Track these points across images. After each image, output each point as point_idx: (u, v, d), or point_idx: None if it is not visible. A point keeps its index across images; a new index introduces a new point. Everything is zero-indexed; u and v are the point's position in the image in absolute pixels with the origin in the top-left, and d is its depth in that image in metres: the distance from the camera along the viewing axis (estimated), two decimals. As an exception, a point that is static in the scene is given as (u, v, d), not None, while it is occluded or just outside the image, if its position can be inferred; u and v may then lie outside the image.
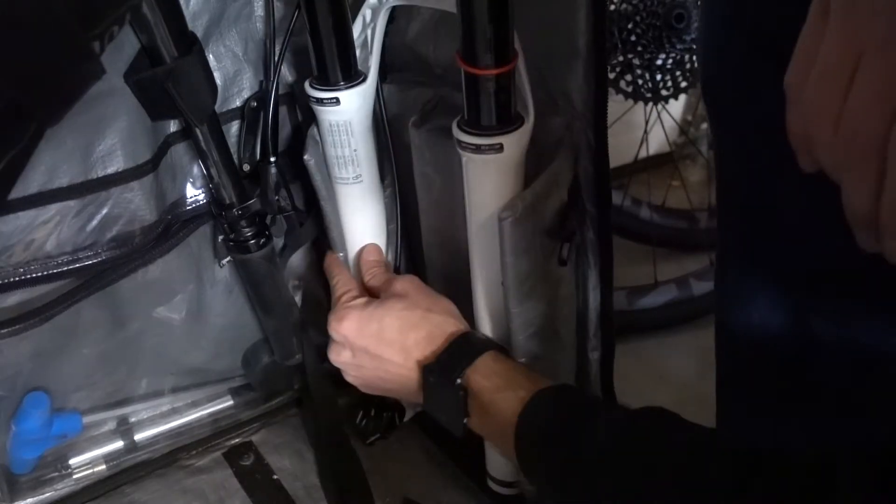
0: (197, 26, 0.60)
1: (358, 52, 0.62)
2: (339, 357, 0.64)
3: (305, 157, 0.66)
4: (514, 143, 0.53)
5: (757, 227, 0.47)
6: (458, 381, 0.56)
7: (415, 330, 0.59)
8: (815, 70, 0.29)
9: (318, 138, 0.65)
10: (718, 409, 0.56)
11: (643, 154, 1.20)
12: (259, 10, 0.64)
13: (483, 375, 0.55)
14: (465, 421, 0.57)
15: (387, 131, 0.68)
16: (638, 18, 0.99)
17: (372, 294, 0.66)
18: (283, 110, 0.69)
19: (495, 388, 0.55)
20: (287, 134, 0.70)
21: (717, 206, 0.51)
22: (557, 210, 0.57)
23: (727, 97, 0.46)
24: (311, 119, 0.66)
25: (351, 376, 0.65)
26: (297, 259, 0.77)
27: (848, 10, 0.28)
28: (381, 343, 0.60)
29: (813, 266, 0.44)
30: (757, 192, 0.46)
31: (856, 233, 0.30)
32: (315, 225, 0.73)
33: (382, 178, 0.69)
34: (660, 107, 1.09)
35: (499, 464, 0.69)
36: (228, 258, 0.68)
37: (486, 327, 0.63)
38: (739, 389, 0.54)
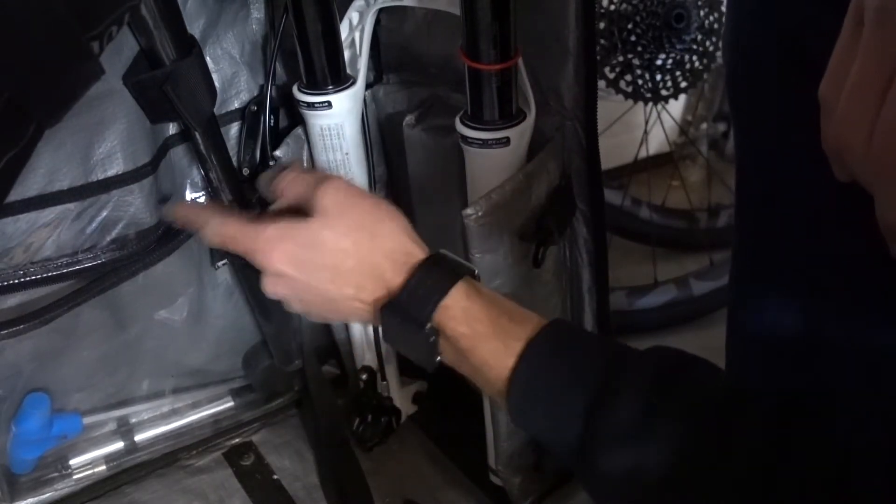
0: (194, 29, 0.60)
1: (346, 54, 0.62)
2: (277, 289, 0.51)
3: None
4: (519, 136, 0.53)
5: (772, 225, 0.47)
6: (428, 325, 0.47)
7: (360, 262, 0.49)
8: (848, 83, 0.29)
9: (303, 137, 0.65)
10: None
11: (643, 154, 1.20)
12: (255, 12, 0.64)
13: (459, 321, 0.47)
14: (437, 359, 0.49)
15: (368, 133, 0.68)
16: (638, 18, 0.99)
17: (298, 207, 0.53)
18: (285, 113, 0.69)
19: (478, 335, 0.46)
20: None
21: (735, 202, 0.51)
22: (532, 211, 0.57)
23: (750, 93, 0.46)
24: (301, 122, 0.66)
25: (296, 307, 0.53)
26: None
27: (880, 24, 0.28)
28: (319, 274, 0.50)
29: (826, 267, 0.44)
30: (774, 190, 0.46)
31: (889, 243, 0.30)
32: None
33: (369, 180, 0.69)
34: (660, 107, 1.09)
35: (502, 457, 0.69)
36: (224, 261, 0.68)
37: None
38: (748, 389, 0.53)
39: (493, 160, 0.54)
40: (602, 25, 0.97)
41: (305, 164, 0.67)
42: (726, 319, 0.53)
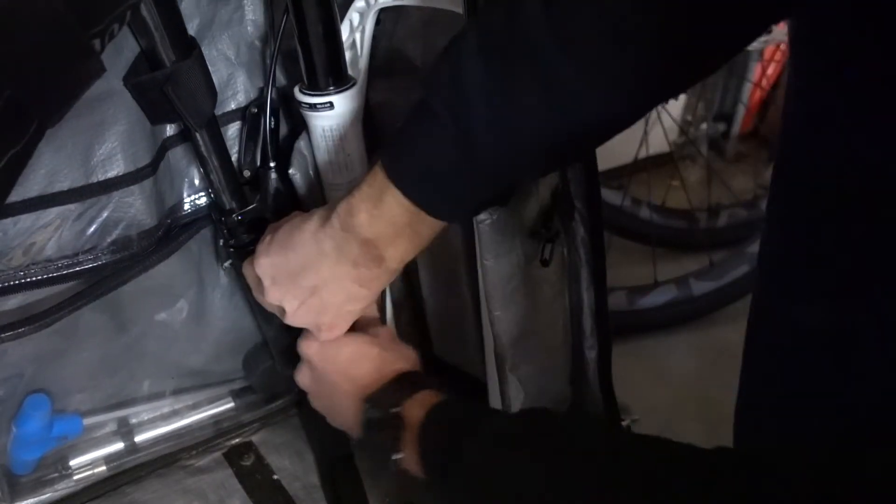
0: (188, 29, 0.59)
1: (347, 55, 0.62)
2: (302, 378, 0.63)
3: (291, 171, 0.65)
4: None
5: (811, 217, 0.46)
6: (394, 409, 0.54)
7: (367, 362, 0.59)
8: None
9: (304, 152, 0.65)
10: (741, 401, 0.54)
11: (643, 154, 1.20)
12: (250, 14, 0.64)
13: (420, 407, 0.53)
14: (395, 457, 0.53)
15: (374, 135, 0.68)
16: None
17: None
18: (284, 115, 0.69)
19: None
20: (289, 139, 0.70)
21: (771, 187, 0.49)
22: (539, 212, 0.57)
23: None
24: (302, 127, 0.65)
25: (314, 400, 0.64)
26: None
27: None
28: (335, 370, 0.60)
29: (861, 260, 0.43)
30: (823, 177, 0.44)
31: None
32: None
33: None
34: (660, 107, 1.09)
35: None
36: (230, 260, 0.68)
37: (488, 328, 0.63)
38: (769, 377, 0.52)
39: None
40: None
41: (310, 169, 0.67)
42: (751, 307, 0.52)
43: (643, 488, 0.39)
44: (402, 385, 0.55)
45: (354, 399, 0.57)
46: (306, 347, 0.61)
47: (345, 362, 0.59)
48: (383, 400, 0.55)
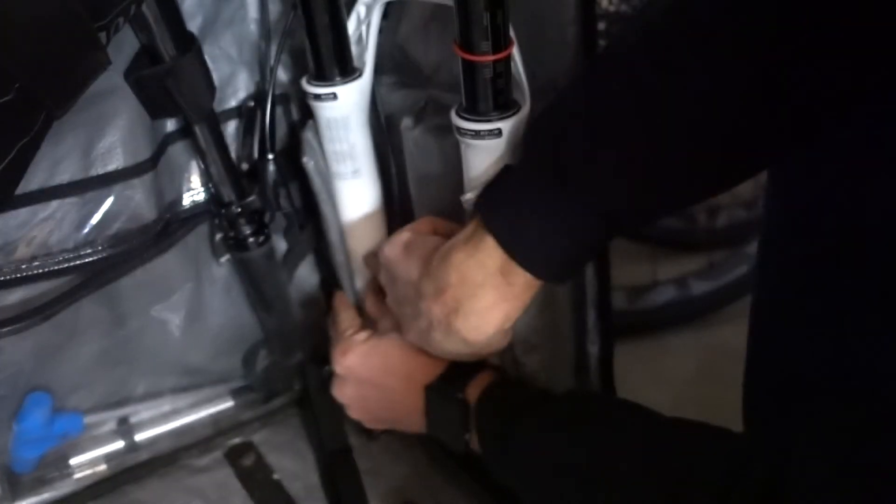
0: (191, 27, 0.60)
1: (353, 49, 0.62)
2: (343, 391, 0.65)
3: (304, 159, 0.66)
4: (513, 127, 0.53)
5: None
6: (458, 395, 0.58)
7: (417, 357, 0.61)
8: None
9: (313, 143, 0.66)
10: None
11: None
12: (253, 12, 0.65)
13: (477, 388, 0.58)
14: (466, 437, 0.58)
15: (383, 126, 0.69)
16: (636, 20, 1.00)
17: (373, 318, 0.68)
18: (278, 111, 0.69)
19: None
20: (283, 134, 0.71)
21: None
22: None
23: None
24: (307, 118, 0.66)
25: (355, 410, 0.67)
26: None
27: None
28: (385, 373, 0.62)
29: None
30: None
31: None
32: (315, 231, 0.74)
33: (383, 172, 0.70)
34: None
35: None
36: (227, 256, 0.69)
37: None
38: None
39: (487, 151, 0.54)
40: (602, 26, 0.98)
41: (311, 163, 0.67)
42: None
43: (675, 476, 0.40)
44: (459, 370, 0.59)
45: (415, 394, 0.60)
46: (344, 360, 0.63)
47: (398, 362, 0.62)
48: (446, 387, 0.59)
